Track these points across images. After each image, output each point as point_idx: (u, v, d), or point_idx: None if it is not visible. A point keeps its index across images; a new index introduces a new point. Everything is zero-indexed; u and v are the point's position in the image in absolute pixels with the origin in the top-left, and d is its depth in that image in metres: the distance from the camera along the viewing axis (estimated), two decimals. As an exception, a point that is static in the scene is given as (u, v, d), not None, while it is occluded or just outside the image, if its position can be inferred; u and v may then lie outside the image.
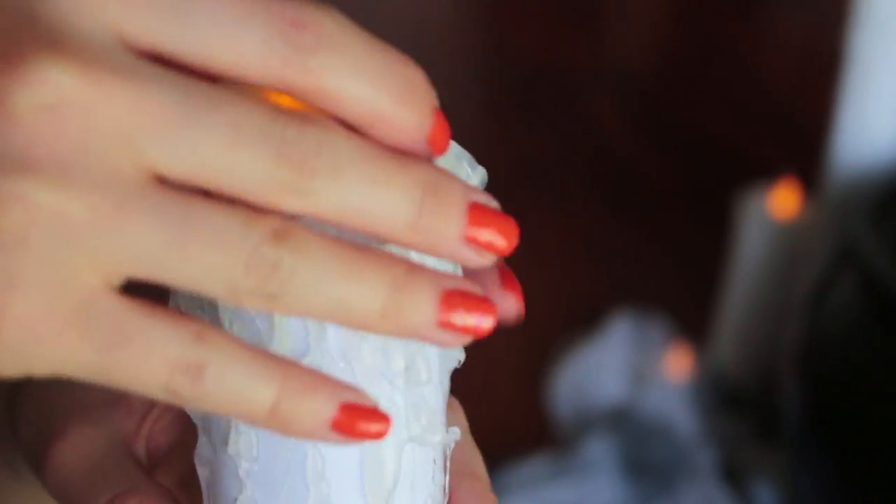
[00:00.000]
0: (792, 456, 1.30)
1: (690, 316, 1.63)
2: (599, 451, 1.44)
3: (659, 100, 2.25)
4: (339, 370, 0.40)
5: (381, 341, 0.41)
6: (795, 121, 2.12)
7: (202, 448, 0.43)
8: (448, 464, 0.44)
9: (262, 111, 0.36)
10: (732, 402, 1.51)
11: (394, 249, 0.39)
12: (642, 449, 1.44)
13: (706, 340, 1.56)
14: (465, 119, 2.24)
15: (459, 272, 0.42)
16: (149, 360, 0.36)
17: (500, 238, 0.38)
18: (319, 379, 0.37)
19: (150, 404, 0.48)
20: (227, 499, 0.43)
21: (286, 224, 0.36)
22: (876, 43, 1.32)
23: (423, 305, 0.37)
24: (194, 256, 0.35)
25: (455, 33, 2.51)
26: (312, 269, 0.36)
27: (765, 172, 1.59)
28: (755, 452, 1.44)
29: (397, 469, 0.42)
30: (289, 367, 0.37)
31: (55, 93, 0.34)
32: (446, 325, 0.37)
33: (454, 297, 0.37)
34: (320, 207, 0.36)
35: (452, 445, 0.44)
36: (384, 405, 0.41)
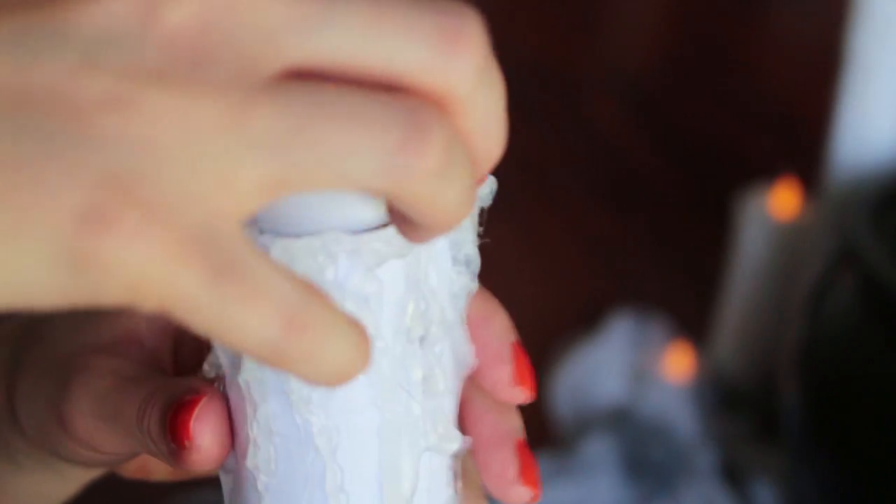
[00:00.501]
0: (792, 456, 1.30)
1: (690, 316, 1.63)
2: (599, 451, 1.44)
3: (659, 100, 2.25)
4: (358, 382, 0.40)
5: (400, 352, 0.41)
6: (795, 121, 2.12)
7: (226, 460, 0.43)
8: (460, 469, 0.44)
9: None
10: (732, 402, 1.51)
11: None
12: (642, 449, 1.44)
13: (706, 340, 1.56)
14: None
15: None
16: (258, 307, 0.34)
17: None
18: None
19: (161, 337, 0.48)
20: None
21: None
22: (876, 43, 1.32)
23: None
24: (328, 143, 0.34)
25: (455, 33, 2.51)
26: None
27: (765, 172, 1.59)
28: (755, 452, 1.44)
29: (415, 478, 0.42)
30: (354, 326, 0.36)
31: (204, 9, 0.34)
32: None
33: None
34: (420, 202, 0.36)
35: (463, 452, 0.44)
36: (402, 415, 0.41)
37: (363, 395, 0.41)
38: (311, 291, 0.35)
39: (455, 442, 0.43)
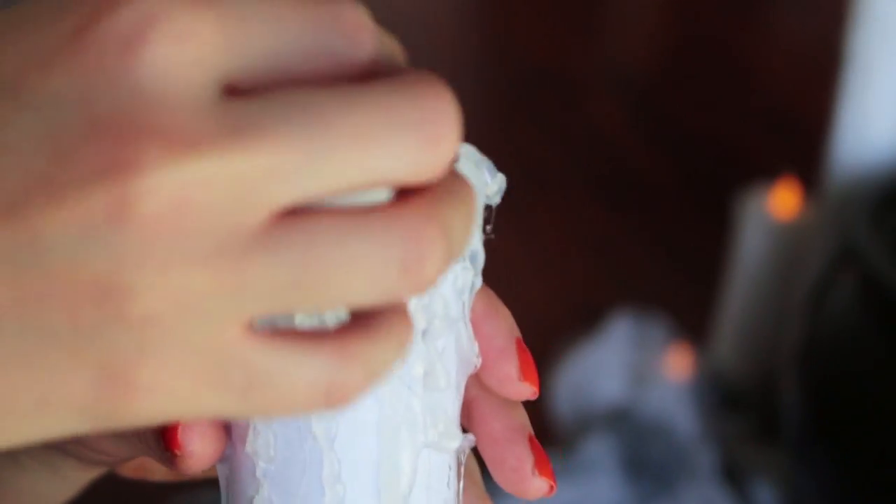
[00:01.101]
0: (792, 456, 1.30)
1: (690, 316, 1.63)
2: (599, 451, 1.44)
3: (659, 100, 2.25)
4: None
5: None
6: (795, 121, 2.12)
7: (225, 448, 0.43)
8: (462, 469, 0.44)
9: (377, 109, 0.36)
10: (732, 402, 1.51)
11: None
12: (642, 449, 1.44)
13: (706, 340, 1.56)
14: (466, 119, 2.22)
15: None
16: (295, 394, 0.36)
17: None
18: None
19: None
20: (243, 497, 0.43)
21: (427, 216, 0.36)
22: (876, 43, 1.32)
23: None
24: (329, 285, 0.35)
25: (456, 34, 2.51)
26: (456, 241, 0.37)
27: (765, 172, 1.59)
28: (755, 452, 1.44)
29: (413, 474, 0.42)
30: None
31: (179, 192, 0.34)
32: None
33: None
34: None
35: (467, 451, 0.44)
36: (401, 410, 0.41)
37: None
38: (345, 350, 0.36)
39: (456, 440, 0.43)
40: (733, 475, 1.42)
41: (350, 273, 0.35)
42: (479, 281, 0.43)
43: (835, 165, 1.37)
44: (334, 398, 0.36)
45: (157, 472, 0.53)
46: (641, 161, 2.06)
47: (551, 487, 0.45)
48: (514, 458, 0.45)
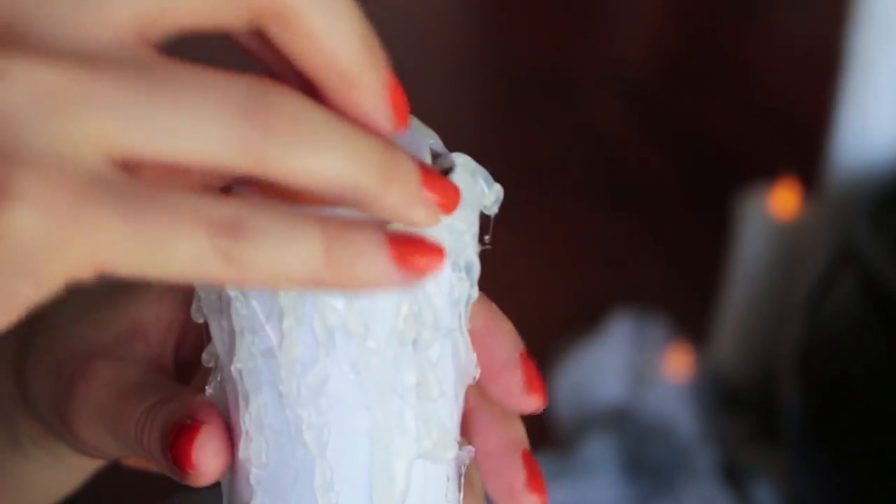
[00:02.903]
0: (792, 456, 1.30)
1: (690, 316, 1.63)
2: (599, 451, 1.44)
3: (659, 100, 2.25)
4: (348, 381, 0.40)
5: (392, 355, 0.41)
6: (795, 120, 2.12)
7: None
8: (462, 480, 0.44)
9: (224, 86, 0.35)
10: (732, 402, 1.51)
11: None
12: (642, 449, 1.44)
13: (706, 340, 1.56)
14: (467, 120, 2.24)
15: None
16: (183, 223, 0.34)
17: (446, 198, 0.38)
18: (356, 221, 0.36)
19: (166, 332, 0.47)
20: (240, 502, 0.43)
21: (237, 201, 0.35)
22: (876, 43, 1.32)
23: (370, 250, 0.35)
24: (178, 108, 0.34)
25: (456, 35, 2.51)
26: (264, 232, 0.34)
27: (765, 172, 1.59)
28: (755, 452, 1.44)
29: (406, 484, 0.42)
30: (323, 215, 0.35)
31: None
32: (402, 264, 0.36)
33: (401, 240, 0.36)
34: (282, 172, 0.35)
35: (467, 462, 0.44)
36: (393, 419, 0.41)
37: (353, 394, 0.40)
38: (230, 195, 0.35)
39: (451, 450, 0.42)
40: (733, 475, 1.42)
41: (197, 105, 0.34)
42: (475, 292, 0.43)
43: (835, 165, 1.37)
44: (230, 235, 0.34)
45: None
46: (641, 161, 2.06)
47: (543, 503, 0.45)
48: (507, 473, 0.45)
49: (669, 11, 2.62)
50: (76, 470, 0.54)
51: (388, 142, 0.37)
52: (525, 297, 1.69)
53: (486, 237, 0.43)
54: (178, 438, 0.42)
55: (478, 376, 0.44)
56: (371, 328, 0.40)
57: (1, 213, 0.32)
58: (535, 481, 0.45)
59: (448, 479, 0.43)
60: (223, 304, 0.41)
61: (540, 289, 1.74)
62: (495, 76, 2.35)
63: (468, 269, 0.42)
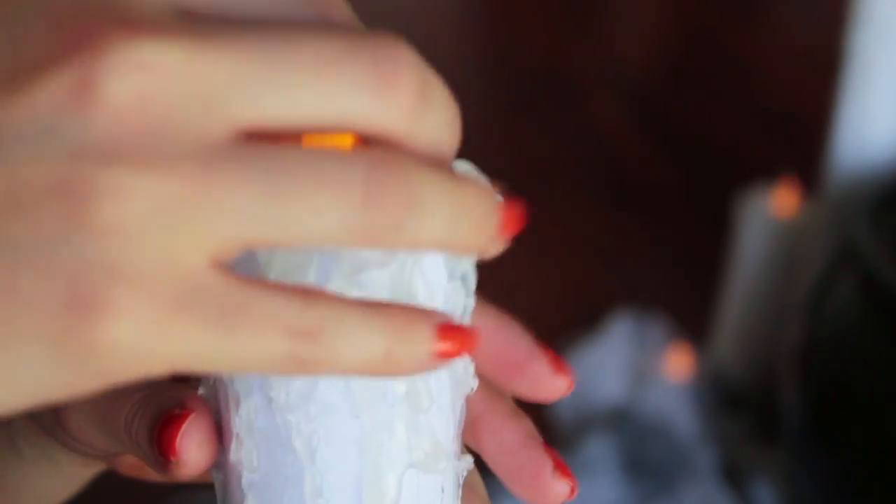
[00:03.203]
0: (792, 456, 1.30)
1: (690, 316, 1.63)
2: (599, 451, 1.44)
3: (659, 100, 2.25)
4: (337, 388, 0.40)
5: None
6: (795, 121, 2.12)
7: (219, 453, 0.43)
8: (460, 492, 0.44)
9: (340, 46, 0.35)
10: (732, 402, 1.51)
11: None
12: (642, 449, 1.44)
13: (706, 340, 1.56)
14: (467, 120, 2.23)
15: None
16: (266, 331, 0.35)
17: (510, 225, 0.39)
18: (412, 312, 0.37)
19: None
20: None
21: (387, 152, 0.35)
22: (876, 43, 1.32)
23: (422, 348, 0.37)
24: (296, 203, 0.34)
25: (457, 34, 2.51)
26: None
27: (765, 172, 1.59)
28: (755, 452, 1.44)
29: (397, 494, 0.41)
30: (387, 309, 0.36)
31: (144, 76, 0.33)
32: (441, 356, 0.37)
33: (447, 332, 0.37)
34: (394, 245, 0.36)
35: (464, 473, 0.44)
36: (383, 428, 0.41)
37: (341, 402, 0.40)
38: (313, 294, 0.35)
39: (443, 460, 0.42)
40: (733, 475, 1.42)
41: (314, 196, 0.34)
42: (471, 302, 0.43)
43: (835, 165, 1.37)
44: (308, 340, 0.35)
45: (152, 472, 0.53)
46: (641, 161, 2.06)
47: (572, 489, 0.45)
48: (532, 464, 0.45)
49: (669, 11, 2.62)
50: (72, 477, 0.54)
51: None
52: (525, 297, 1.69)
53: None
54: (164, 427, 0.42)
55: (476, 387, 0.44)
56: None
57: (97, 326, 0.33)
58: (562, 468, 0.45)
59: (443, 491, 0.43)
60: None
61: (540, 289, 1.74)
62: (495, 76, 2.35)
63: (464, 279, 0.42)
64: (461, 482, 0.44)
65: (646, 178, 2.02)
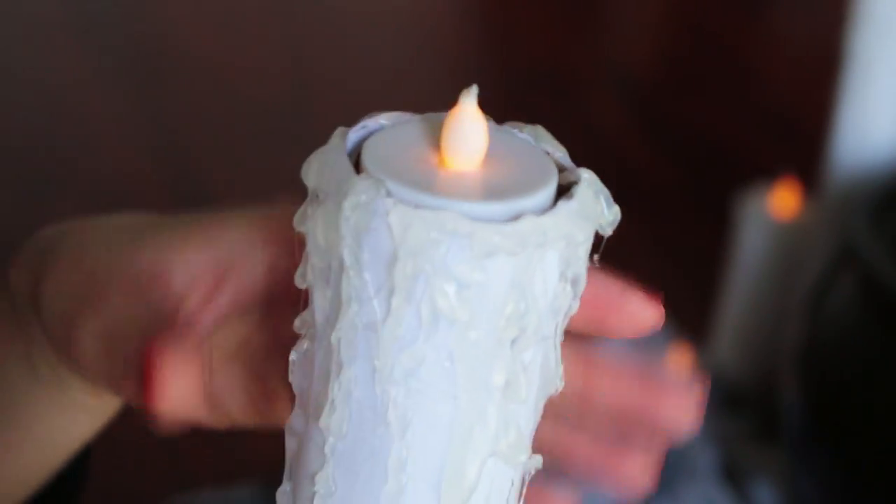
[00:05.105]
0: (792, 456, 1.30)
1: (690, 316, 1.63)
2: (599, 451, 1.44)
3: (659, 100, 2.25)
4: (442, 368, 0.41)
5: (489, 350, 0.41)
6: (795, 121, 2.12)
7: (294, 419, 0.44)
8: (524, 490, 0.44)
9: None
10: (732, 402, 1.51)
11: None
12: (642, 449, 1.44)
13: (706, 340, 1.56)
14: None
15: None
16: None
17: None
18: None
19: (189, 286, 0.48)
20: (306, 471, 0.43)
21: None
22: (876, 43, 1.32)
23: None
24: None
25: (457, 34, 2.51)
26: None
27: (765, 172, 1.59)
28: (755, 452, 1.44)
29: (476, 479, 0.42)
30: None
31: None
32: None
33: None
34: None
35: (532, 472, 0.44)
36: (476, 414, 0.41)
37: (443, 382, 0.41)
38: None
39: (523, 454, 0.43)
40: (733, 475, 1.42)
41: None
42: (576, 304, 0.44)
43: (835, 165, 1.37)
44: None
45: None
46: (641, 161, 2.06)
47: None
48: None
49: (669, 11, 2.62)
50: (83, 411, 0.54)
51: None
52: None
53: (595, 256, 0.45)
54: (149, 360, 0.44)
55: (561, 388, 0.44)
56: (475, 319, 0.40)
57: None
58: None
59: (512, 484, 0.43)
60: (333, 272, 0.41)
61: (540, 289, 1.74)
62: (495, 76, 2.35)
63: (574, 283, 0.43)
64: (527, 480, 0.44)
65: (646, 178, 2.02)
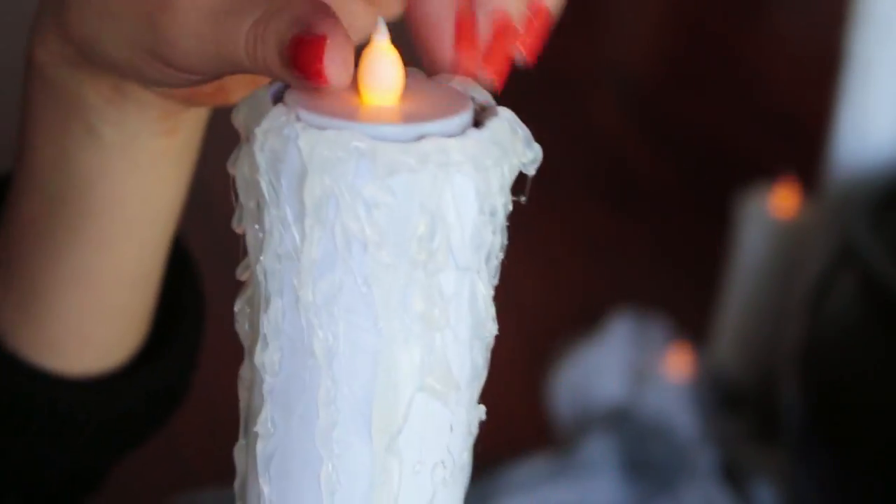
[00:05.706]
0: (792, 456, 1.30)
1: (690, 316, 1.63)
2: (599, 451, 1.44)
3: (659, 100, 2.25)
4: (360, 293, 0.41)
5: (402, 273, 0.41)
6: (795, 121, 2.12)
7: (244, 370, 0.44)
8: (472, 443, 0.44)
9: None
10: (732, 402, 1.51)
11: None
12: (642, 449, 1.44)
13: (706, 340, 1.56)
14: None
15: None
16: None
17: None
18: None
19: None
20: (252, 416, 0.43)
21: None
22: (876, 43, 1.32)
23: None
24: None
25: (455, 33, 2.51)
26: None
27: (765, 172, 1.58)
28: (755, 452, 1.44)
29: (406, 411, 0.42)
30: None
31: None
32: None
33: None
34: None
35: (477, 423, 0.44)
36: (399, 344, 0.41)
37: (362, 308, 0.41)
38: None
39: (454, 393, 0.42)
40: (733, 475, 1.42)
41: None
42: (498, 241, 0.44)
43: (835, 165, 1.37)
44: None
45: (235, 95, 0.53)
46: (641, 161, 2.06)
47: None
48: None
49: (669, 11, 2.62)
50: (153, 167, 0.54)
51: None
52: (525, 297, 1.69)
53: (523, 198, 0.45)
54: (302, 51, 0.42)
55: (495, 332, 0.44)
56: (387, 241, 0.40)
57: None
58: (467, 40, 0.47)
59: (451, 430, 0.43)
60: (260, 208, 0.42)
61: (540, 289, 1.74)
62: (495, 76, 2.35)
63: (493, 214, 0.43)
64: (473, 433, 0.44)
65: (646, 178, 2.02)
